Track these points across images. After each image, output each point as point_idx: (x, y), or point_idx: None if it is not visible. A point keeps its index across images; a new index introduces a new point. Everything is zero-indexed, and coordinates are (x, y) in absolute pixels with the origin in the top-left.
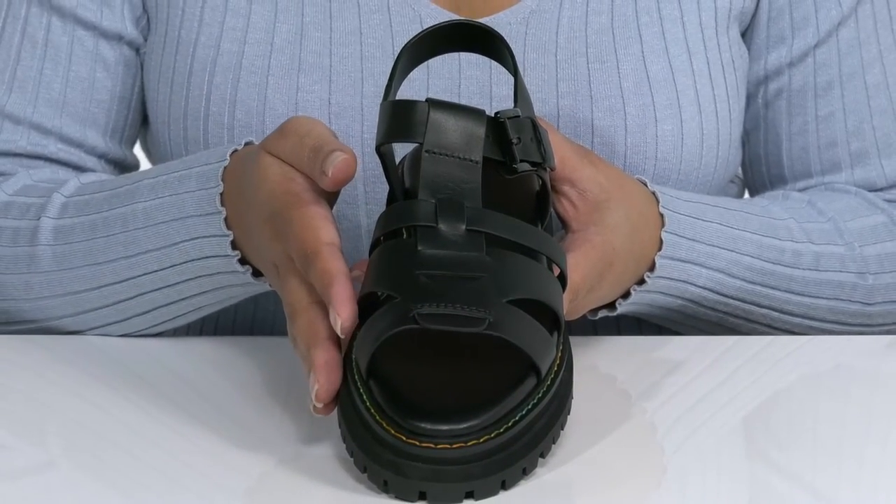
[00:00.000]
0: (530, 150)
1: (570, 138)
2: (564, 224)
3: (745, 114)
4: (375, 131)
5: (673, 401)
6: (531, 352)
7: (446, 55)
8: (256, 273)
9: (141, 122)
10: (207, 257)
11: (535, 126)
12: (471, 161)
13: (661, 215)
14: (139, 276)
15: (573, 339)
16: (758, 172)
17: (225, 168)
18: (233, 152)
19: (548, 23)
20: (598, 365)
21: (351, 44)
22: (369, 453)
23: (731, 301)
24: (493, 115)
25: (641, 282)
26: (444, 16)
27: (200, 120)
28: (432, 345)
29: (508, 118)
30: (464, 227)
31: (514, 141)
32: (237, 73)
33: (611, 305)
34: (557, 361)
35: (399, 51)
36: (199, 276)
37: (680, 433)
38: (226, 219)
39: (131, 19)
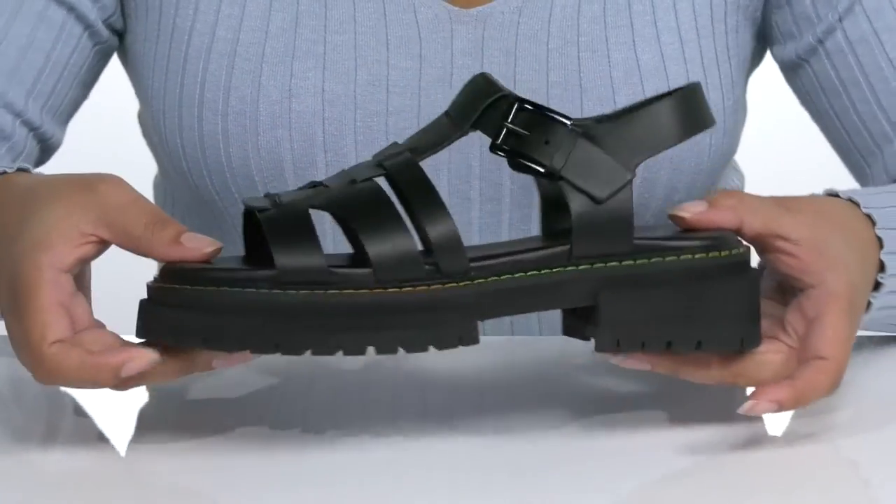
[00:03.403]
0: (544, 153)
1: None
2: (794, 280)
3: (803, 96)
4: (368, 121)
5: (672, 401)
6: None
7: (438, 44)
8: None
9: (80, 103)
10: None
11: (572, 141)
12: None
13: (879, 238)
14: None
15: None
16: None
17: None
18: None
19: (540, 11)
20: (598, 364)
21: (345, 32)
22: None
23: None
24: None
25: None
26: (438, 5)
27: (195, 107)
28: None
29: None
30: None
31: (543, 140)
32: (231, 59)
33: None
34: None
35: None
36: None
37: (680, 434)
38: None
39: None
